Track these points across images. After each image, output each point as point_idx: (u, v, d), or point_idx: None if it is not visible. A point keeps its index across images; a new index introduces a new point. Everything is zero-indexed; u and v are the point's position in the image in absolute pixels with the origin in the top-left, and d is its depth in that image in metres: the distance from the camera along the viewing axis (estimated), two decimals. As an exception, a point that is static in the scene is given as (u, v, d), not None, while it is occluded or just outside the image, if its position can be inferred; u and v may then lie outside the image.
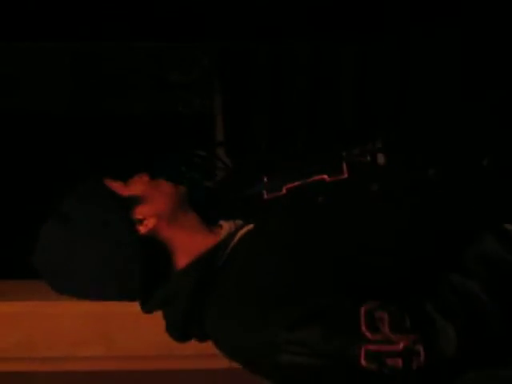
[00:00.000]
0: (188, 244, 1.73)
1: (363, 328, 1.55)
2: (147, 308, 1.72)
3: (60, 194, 1.73)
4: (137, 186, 1.76)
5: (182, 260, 1.71)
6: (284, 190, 1.83)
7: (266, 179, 1.87)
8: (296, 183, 1.83)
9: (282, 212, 1.81)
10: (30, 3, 2.64)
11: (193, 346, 1.67)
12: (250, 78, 2.67)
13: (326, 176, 1.83)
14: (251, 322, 1.60)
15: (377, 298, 1.59)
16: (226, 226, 1.78)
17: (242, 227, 1.77)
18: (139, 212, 1.71)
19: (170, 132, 2.64)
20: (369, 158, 1.86)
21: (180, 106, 2.75)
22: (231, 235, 1.75)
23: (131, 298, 1.73)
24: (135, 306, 1.68)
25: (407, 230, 1.72)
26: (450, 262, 1.65)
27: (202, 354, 1.67)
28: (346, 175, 1.83)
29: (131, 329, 1.67)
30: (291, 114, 2.65)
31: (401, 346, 1.54)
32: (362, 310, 1.56)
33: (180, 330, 1.69)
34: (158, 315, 1.67)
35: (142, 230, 1.70)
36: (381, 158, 1.85)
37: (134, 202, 1.73)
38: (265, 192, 1.85)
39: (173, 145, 2.45)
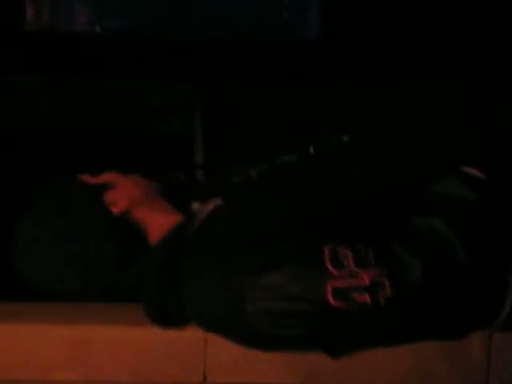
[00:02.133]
0: (159, 223, 1.76)
1: (328, 265, 1.56)
2: (121, 289, 1.73)
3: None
4: (106, 176, 1.80)
5: (153, 238, 1.74)
6: (253, 174, 1.89)
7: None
8: (265, 166, 1.89)
9: (253, 184, 1.86)
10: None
11: (170, 374, 1.67)
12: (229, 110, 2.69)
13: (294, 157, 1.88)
14: (218, 276, 1.61)
15: (341, 239, 1.60)
16: (196, 206, 1.82)
17: (209, 203, 1.80)
18: (110, 195, 1.76)
19: (150, 154, 2.65)
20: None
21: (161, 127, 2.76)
22: (200, 211, 1.78)
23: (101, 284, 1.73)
24: (113, 331, 1.68)
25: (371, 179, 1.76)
26: (412, 204, 1.68)
27: (178, 381, 1.67)
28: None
29: (108, 354, 1.67)
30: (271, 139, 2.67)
31: (366, 280, 1.55)
32: (326, 248, 1.58)
33: (156, 306, 1.69)
34: (136, 342, 1.67)
35: (115, 210, 1.75)
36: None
37: (104, 187, 1.77)
38: (234, 178, 1.91)
39: (152, 166, 2.45)
